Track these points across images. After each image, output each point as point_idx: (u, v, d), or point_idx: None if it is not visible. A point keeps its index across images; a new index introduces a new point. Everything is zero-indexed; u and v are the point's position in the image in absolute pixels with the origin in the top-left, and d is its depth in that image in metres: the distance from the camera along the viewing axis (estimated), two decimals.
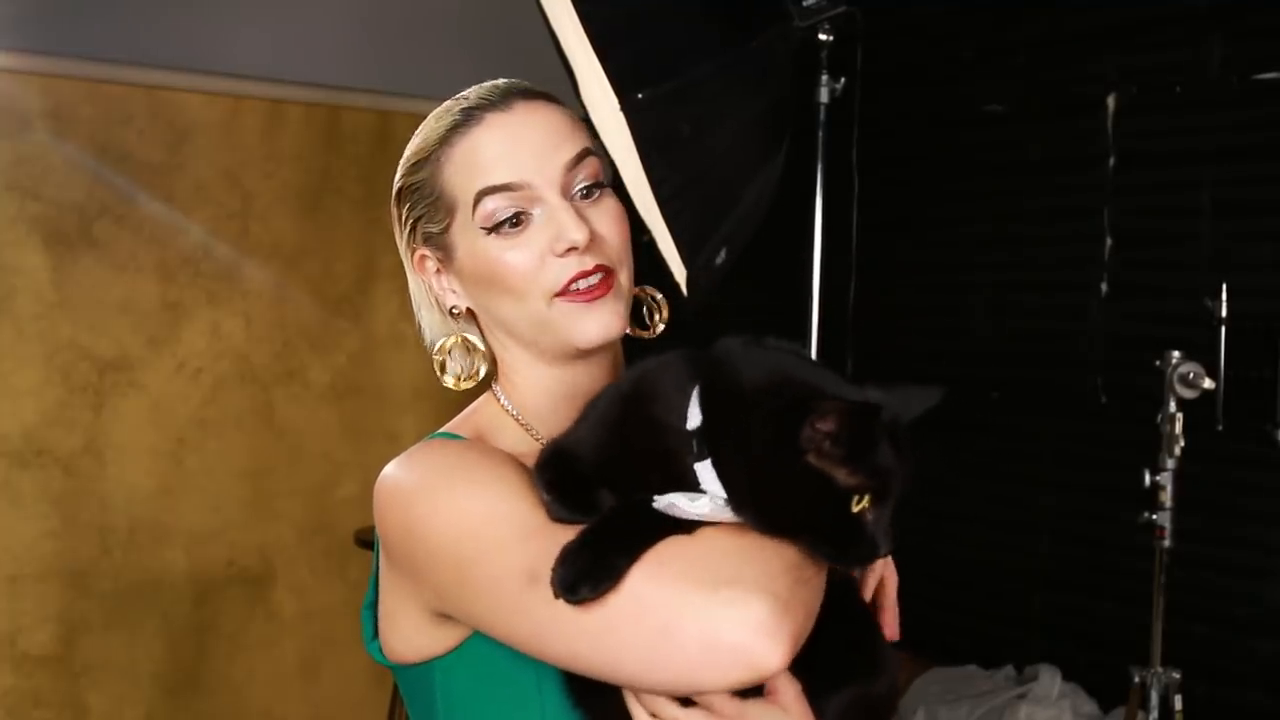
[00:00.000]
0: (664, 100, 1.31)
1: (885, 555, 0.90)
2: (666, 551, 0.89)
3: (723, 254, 1.45)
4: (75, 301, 3.13)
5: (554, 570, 0.88)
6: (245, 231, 3.37)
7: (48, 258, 3.10)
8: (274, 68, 3.35)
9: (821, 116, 2.49)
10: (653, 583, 0.88)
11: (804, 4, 1.91)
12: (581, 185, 1.08)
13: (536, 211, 1.06)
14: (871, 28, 2.68)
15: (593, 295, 1.06)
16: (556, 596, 0.88)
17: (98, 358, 3.17)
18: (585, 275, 1.05)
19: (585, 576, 0.88)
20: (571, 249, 1.04)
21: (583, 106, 1.29)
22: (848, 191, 2.88)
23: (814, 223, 2.54)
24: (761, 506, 0.89)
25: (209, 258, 3.32)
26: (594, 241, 1.06)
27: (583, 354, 1.09)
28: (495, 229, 1.06)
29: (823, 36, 2.33)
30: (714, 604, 0.86)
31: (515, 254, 1.06)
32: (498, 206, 1.06)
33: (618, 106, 1.28)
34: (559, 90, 1.17)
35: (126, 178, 3.19)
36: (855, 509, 0.87)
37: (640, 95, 1.29)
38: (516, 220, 1.06)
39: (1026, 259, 3.31)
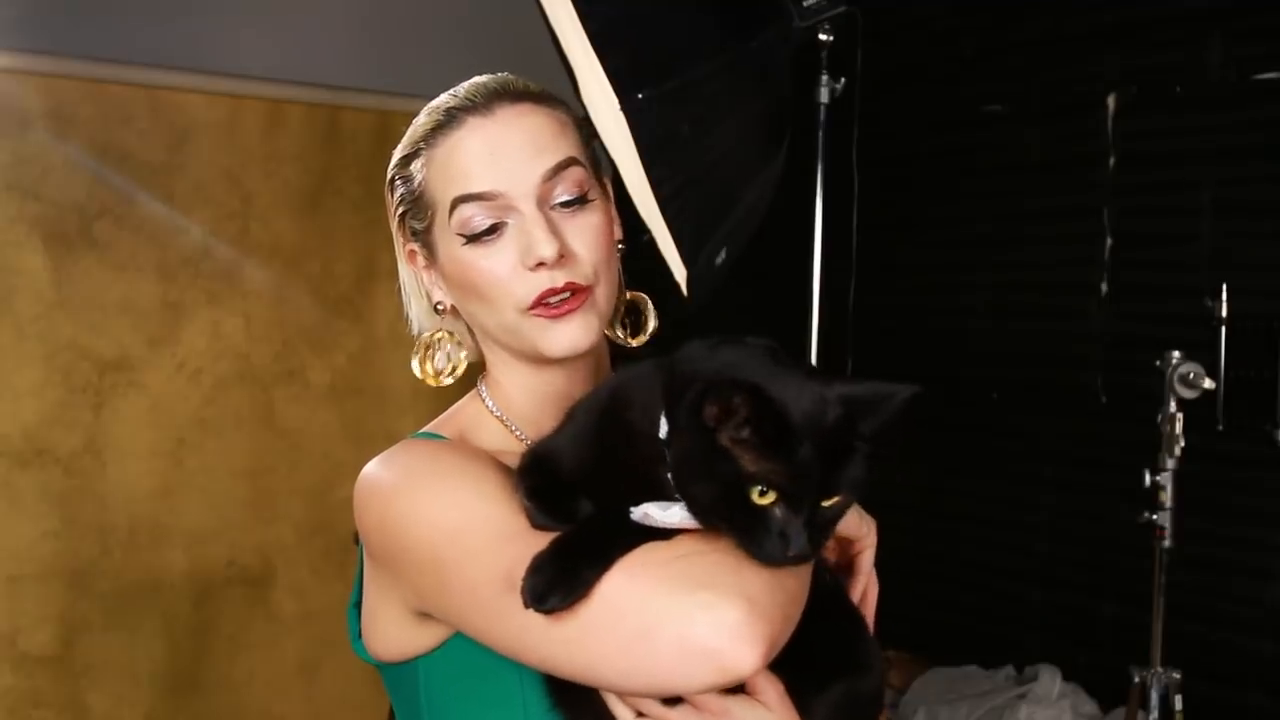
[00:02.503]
0: (664, 100, 1.31)
1: (795, 558, 0.87)
2: (641, 557, 0.90)
3: (723, 254, 1.45)
4: (75, 301, 3.13)
5: (524, 580, 0.88)
6: (245, 231, 3.37)
7: (48, 258, 3.10)
8: (274, 68, 3.35)
9: (821, 116, 2.49)
10: (628, 588, 0.88)
11: (804, 4, 1.91)
12: (561, 197, 1.07)
13: (511, 221, 1.06)
14: (871, 28, 2.68)
15: (561, 311, 1.05)
16: (526, 606, 0.88)
17: (98, 358, 3.17)
18: (555, 293, 1.05)
19: (555, 587, 0.88)
20: (541, 264, 1.04)
21: (583, 106, 1.29)
22: (848, 191, 2.88)
23: (814, 223, 2.54)
24: (687, 492, 0.89)
25: (209, 258, 3.31)
26: (566, 257, 1.05)
27: (556, 361, 1.09)
28: (471, 239, 1.06)
29: (823, 36, 2.33)
30: (689, 608, 0.86)
31: (487, 263, 1.06)
32: (473, 215, 1.06)
33: (618, 106, 1.28)
34: (558, 90, 1.17)
35: (126, 178, 3.19)
36: (757, 500, 0.86)
37: (640, 95, 1.29)
38: (491, 230, 1.06)
39: (1026, 259, 3.30)
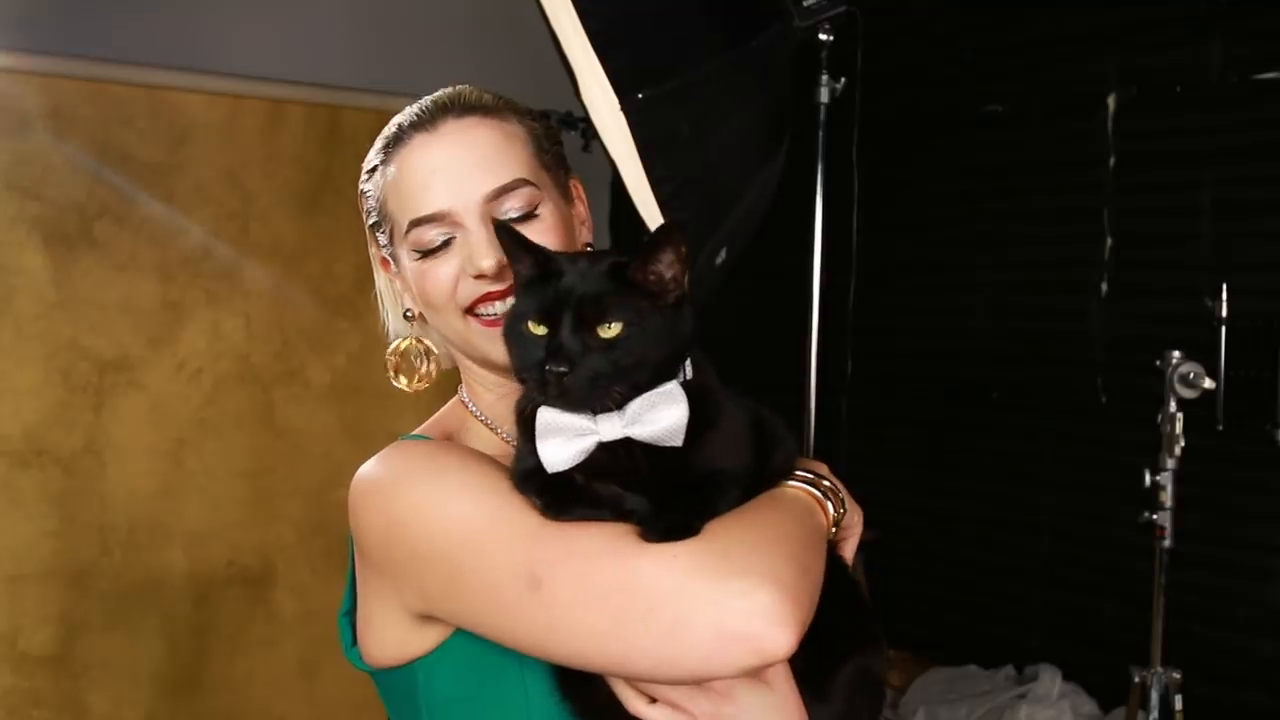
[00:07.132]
0: (664, 100, 1.31)
1: (553, 374, 0.92)
2: (673, 548, 0.90)
3: (723, 254, 1.45)
4: (75, 301, 3.13)
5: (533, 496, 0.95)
6: (245, 231, 3.37)
7: (48, 258, 3.09)
8: (274, 68, 3.35)
9: (821, 116, 2.49)
10: (660, 576, 0.89)
11: (804, 4, 1.91)
12: (508, 214, 1.09)
13: (459, 236, 1.09)
14: (871, 28, 2.68)
15: (499, 322, 1.07)
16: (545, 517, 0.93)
17: (98, 358, 3.16)
18: (500, 296, 1.08)
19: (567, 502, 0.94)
20: (482, 275, 1.07)
21: (583, 106, 1.29)
22: (848, 191, 2.88)
23: (814, 223, 2.53)
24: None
25: (209, 258, 3.31)
26: (508, 270, 1.06)
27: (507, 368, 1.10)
28: (423, 255, 1.10)
29: (823, 36, 2.33)
30: (724, 594, 0.87)
31: (435, 273, 1.10)
32: (425, 234, 1.10)
33: (618, 106, 1.28)
34: (556, 90, 1.17)
35: (126, 178, 3.19)
36: (533, 330, 0.95)
37: (640, 95, 1.29)
38: (443, 245, 1.09)
39: (1026, 259, 3.30)
